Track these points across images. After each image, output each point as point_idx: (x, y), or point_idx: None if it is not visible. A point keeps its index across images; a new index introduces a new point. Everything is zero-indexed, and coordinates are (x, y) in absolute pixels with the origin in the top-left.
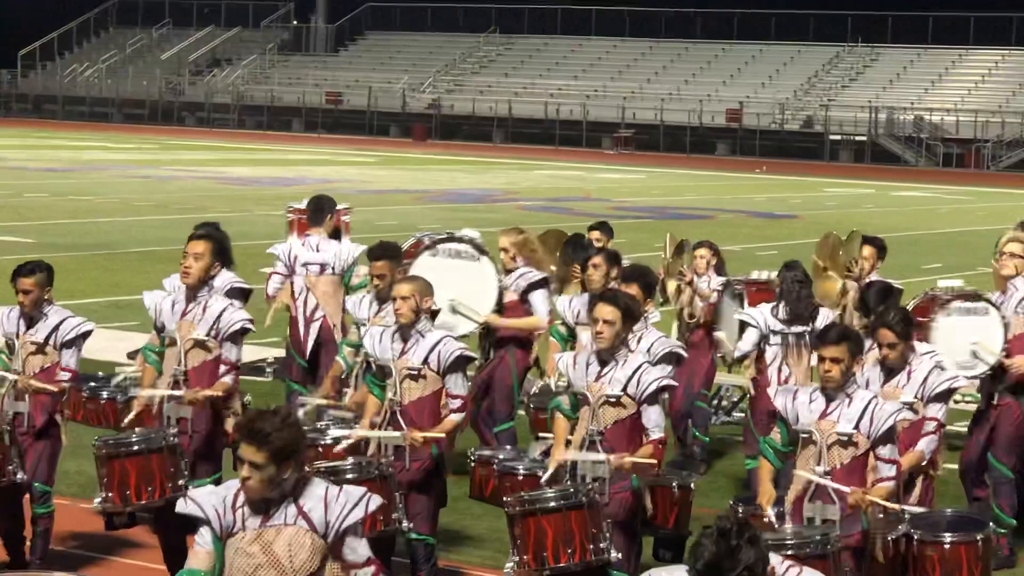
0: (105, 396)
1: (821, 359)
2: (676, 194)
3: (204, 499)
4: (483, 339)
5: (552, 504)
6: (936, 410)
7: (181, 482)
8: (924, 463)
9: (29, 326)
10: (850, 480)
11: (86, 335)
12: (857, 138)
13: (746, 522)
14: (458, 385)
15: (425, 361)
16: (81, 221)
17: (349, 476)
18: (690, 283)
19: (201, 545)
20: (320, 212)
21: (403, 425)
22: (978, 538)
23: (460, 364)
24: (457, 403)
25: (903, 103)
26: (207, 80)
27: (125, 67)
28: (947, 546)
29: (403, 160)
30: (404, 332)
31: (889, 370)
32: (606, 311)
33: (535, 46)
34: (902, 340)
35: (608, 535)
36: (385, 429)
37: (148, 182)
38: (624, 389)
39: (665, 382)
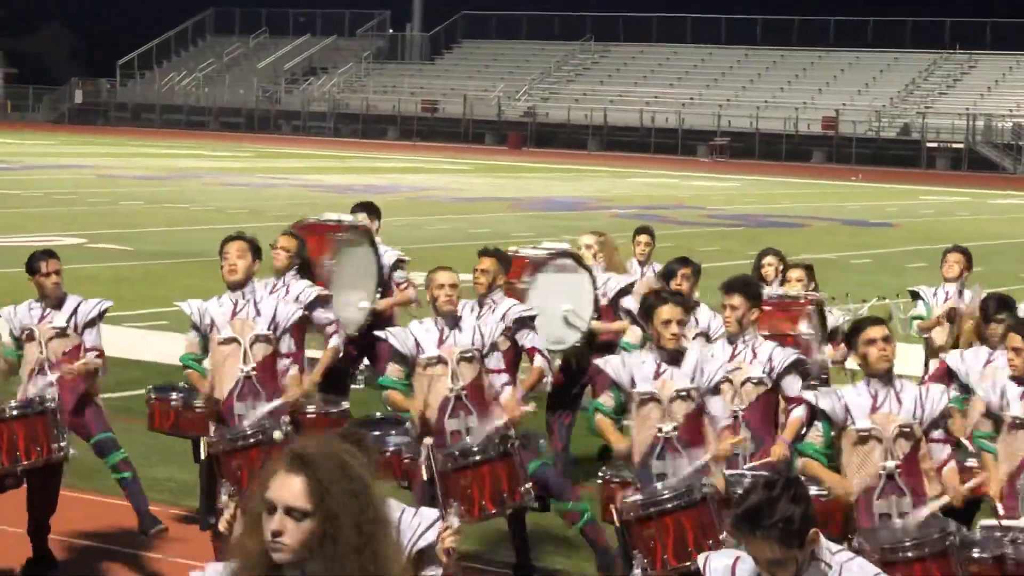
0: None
1: (871, 341)
2: (770, 202)
3: None
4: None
5: (669, 506)
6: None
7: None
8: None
9: (44, 314)
10: (913, 470)
11: (104, 313)
12: (954, 146)
13: (796, 480)
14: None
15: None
16: (176, 229)
17: (478, 457)
18: None
19: None
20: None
21: (471, 409)
22: None
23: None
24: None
25: (1001, 110)
26: (303, 88)
27: (222, 76)
28: None
29: (498, 168)
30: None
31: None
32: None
33: (630, 54)
34: None
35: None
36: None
37: (243, 190)
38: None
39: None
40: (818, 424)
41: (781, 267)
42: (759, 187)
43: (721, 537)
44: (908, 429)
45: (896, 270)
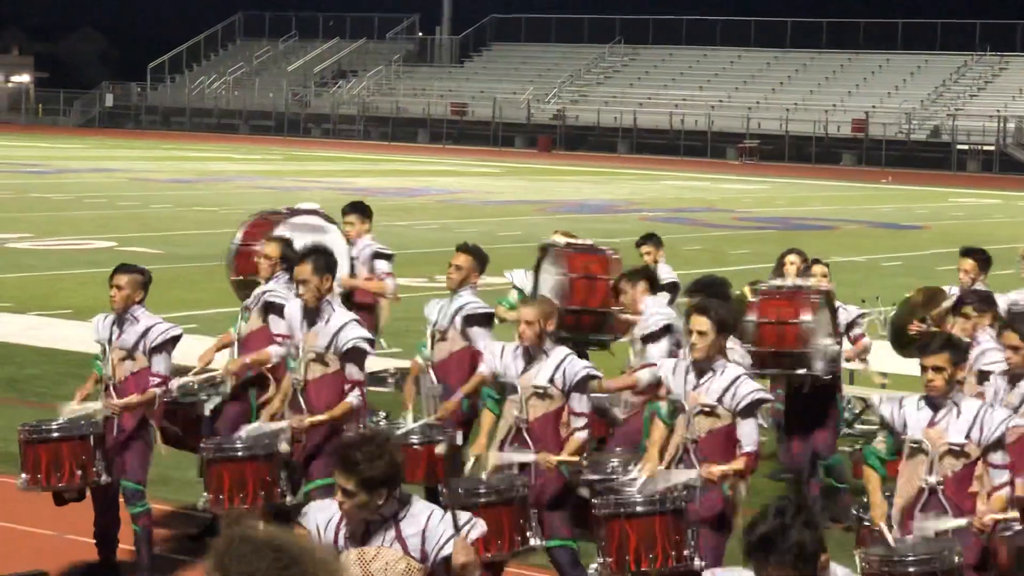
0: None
1: (923, 368)
2: (800, 204)
3: (312, 514)
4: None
5: (638, 508)
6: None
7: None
8: None
9: (120, 332)
10: (960, 488)
11: (175, 340)
12: (985, 148)
13: (805, 504)
14: (582, 403)
15: (551, 380)
16: (206, 232)
17: (484, 500)
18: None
19: None
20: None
21: (529, 443)
22: None
23: (584, 383)
24: (582, 421)
25: None
26: (333, 92)
27: (252, 79)
28: None
29: (528, 171)
30: (529, 351)
31: (1015, 376)
32: (700, 322)
33: (660, 56)
34: None
35: (693, 542)
36: (511, 446)
37: (273, 193)
38: (719, 400)
39: (761, 395)
40: (881, 432)
41: (803, 265)
42: (789, 189)
43: None
44: (958, 448)
45: (927, 272)
